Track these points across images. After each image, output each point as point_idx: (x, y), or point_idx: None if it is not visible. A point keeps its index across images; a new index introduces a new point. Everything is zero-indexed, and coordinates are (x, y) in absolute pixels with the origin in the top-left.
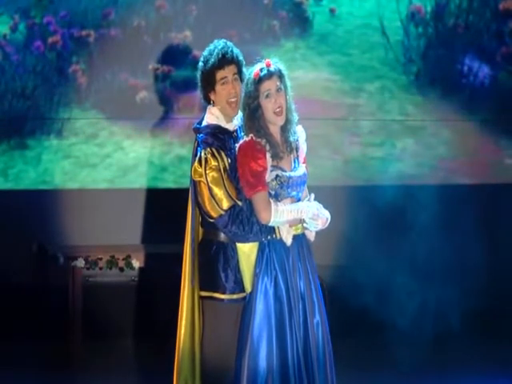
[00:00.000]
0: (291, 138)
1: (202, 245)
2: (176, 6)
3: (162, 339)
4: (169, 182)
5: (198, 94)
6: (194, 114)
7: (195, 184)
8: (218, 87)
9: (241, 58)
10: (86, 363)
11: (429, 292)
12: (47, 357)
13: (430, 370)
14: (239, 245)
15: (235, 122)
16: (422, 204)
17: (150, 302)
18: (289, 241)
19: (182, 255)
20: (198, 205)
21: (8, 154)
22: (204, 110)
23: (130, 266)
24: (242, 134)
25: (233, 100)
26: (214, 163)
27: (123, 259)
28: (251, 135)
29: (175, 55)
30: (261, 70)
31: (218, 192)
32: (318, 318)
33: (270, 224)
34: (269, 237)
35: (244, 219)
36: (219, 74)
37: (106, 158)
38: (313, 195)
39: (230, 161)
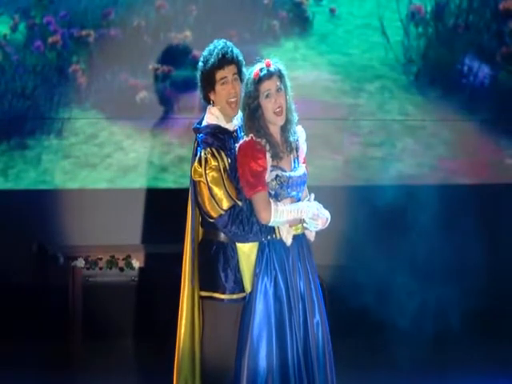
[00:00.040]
0: (291, 138)
1: (202, 245)
2: (176, 6)
3: (162, 339)
4: (169, 182)
5: (198, 94)
6: (194, 114)
7: (195, 184)
8: (218, 87)
9: (241, 57)
10: (85, 363)
11: (429, 292)
12: (47, 357)
13: (430, 370)
14: (239, 245)
15: (235, 122)
16: (421, 204)
17: (150, 302)
18: (289, 241)
19: (182, 255)
20: (198, 205)
21: (8, 154)
22: (204, 109)
23: (130, 265)
24: (242, 134)
25: (232, 100)
26: (213, 163)
27: (123, 259)
28: (251, 135)
29: (175, 55)
30: (261, 69)
31: (218, 192)
32: (317, 317)
33: (270, 224)
34: (269, 237)
35: (244, 219)
36: (219, 74)
37: (105, 158)
38: (313, 195)
39: (229, 161)
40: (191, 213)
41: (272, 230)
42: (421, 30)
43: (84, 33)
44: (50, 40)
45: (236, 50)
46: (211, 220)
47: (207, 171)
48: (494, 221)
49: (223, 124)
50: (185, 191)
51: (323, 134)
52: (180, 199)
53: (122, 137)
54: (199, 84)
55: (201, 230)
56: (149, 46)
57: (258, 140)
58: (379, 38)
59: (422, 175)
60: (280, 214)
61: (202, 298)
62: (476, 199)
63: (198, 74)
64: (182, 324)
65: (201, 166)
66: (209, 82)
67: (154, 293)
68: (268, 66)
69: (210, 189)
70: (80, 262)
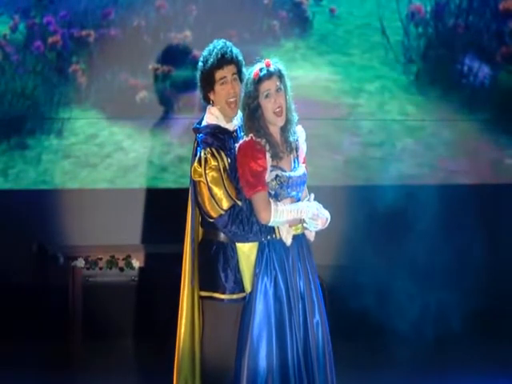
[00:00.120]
0: (291, 138)
1: (202, 245)
2: (176, 6)
3: (162, 339)
4: (169, 182)
5: (198, 94)
6: (193, 114)
7: (195, 184)
8: (217, 87)
9: (240, 57)
10: (85, 363)
11: (429, 292)
12: (47, 357)
13: (430, 370)
14: (239, 245)
15: (235, 122)
16: (421, 204)
17: (150, 302)
18: (288, 241)
19: (182, 255)
20: (198, 205)
21: (8, 154)
22: (204, 109)
23: (130, 265)
24: (242, 133)
25: (232, 100)
26: (213, 163)
27: (123, 259)
28: (251, 135)
29: (175, 55)
30: (260, 69)
31: (218, 192)
32: (317, 317)
33: (270, 224)
34: (268, 237)
35: (244, 219)
36: (218, 74)
37: (105, 158)
38: (313, 195)
39: (229, 161)
40: (191, 213)
41: (272, 230)
42: (421, 30)
43: (84, 33)
44: (50, 40)
45: (235, 50)
46: (211, 220)
47: (207, 171)
48: (494, 221)
49: (223, 124)
50: (185, 191)
51: (323, 134)
52: (180, 199)
53: (122, 137)
54: (199, 84)
55: (201, 230)
56: (149, 46)
57: (258, 140)
58: (379, 38)
59: (422, 175)
60: (280, 214)
61: (201, 297)
62: (476, 199)
63: (198, 74)
64: (182, 324)
65: (201, 165)
66: (208, 82)
67: (154, 293)
68: (268, 65)
69: (209, 189)
70: (80, 262)
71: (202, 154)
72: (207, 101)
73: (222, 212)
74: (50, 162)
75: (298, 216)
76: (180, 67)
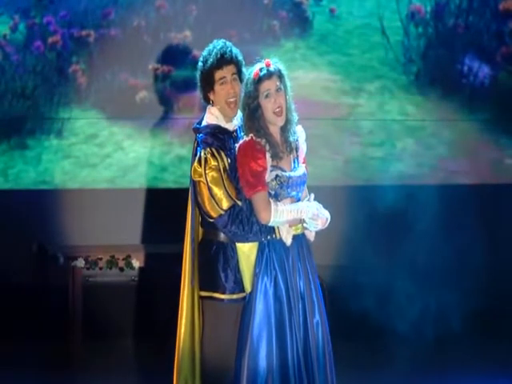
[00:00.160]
0: (291, 138)
1: (202, 245)
2: (176, 6)
3: (162, 339)
4: (169, 182)
5: (198, 94)
6: (193, 114)
7: (195, 184)
8: (217, 87)
9: (240, 57)
10: (86, 363)
11: (429, 292)
12: (47, 357)
13: (430, 370)
14: (239, 245)
15: (235, 122)
16: (422, 204)
17: (150, 302)
18: (288, 241)
19: (182, 255)
20: (198, 205)
21: (8, 154)
22: (204, 109)
23: (130, 265)
24: (242, 133)
25: (231, 100)
26: (213, 163)
27: (123, 259)
28: (251, 135)
29: (175, 55)
30: (260, 69)
31: (218, 192)
32: (317, 318)
33: (270, 224)
34: (268, 237)
35: (244, 219)
36: (218, 74)
37: (105, 158)
38: (313, 195)
39: (229, 161)
40: (191, 213)
41: (272, 229)
42: (421, 30)
43: (84, 33)
44: (50, 40)
45: (235, 50)
46: (211, 220)
47: (207, 171)
48: (494, 221)
49: (223, 124)
50: (185, 191)
51: (323, 133)
52: (180, 199)
53: (122, 137)
54: (199, 84)
55: (201, 230)
56: (149, 46)
57: (258, 140)
58: (379, 38)
59: (422, 175)
60: (280, 214)
61: (201, 297)
62: (476, 199)
63: (198, 74)
64: (182, 324)
65: (200, 165)
66: (208, 82)
67: (154, 293)
68: (268, 65)
69: (209, 189)
70: (80, 262)
71: (202, 153)
72: (207, 101)
73: (222, 212)
74: (50, 162)
75: (298, 216)
76: (180, 67)
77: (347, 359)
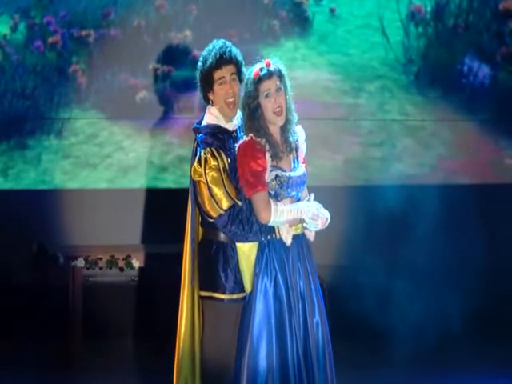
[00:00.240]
0: (291, 138)
1: (202, 245)
2: (176, 6)
3: (162, 339)
4: (169, 182)
5: (198, 94)
6: (193, 114)
7: (195, 184)
8: (216, 87)
9: (240, 57)
10: (86, 363)
11: (429, 292)
12: (47, 357)
13: (430, 370)
14: (239, 245)
15: (235, 122)
16: (421, 204)
17: (150, 301)
18: (288, 241)
19: (182, 255)
20: (198, 205)
21: (8, 154)
22: (204, 109)
23: (130, 265)
24: (242, 133)
25: (230, 100)
26: (213, 163)
27: (123, 259)
28: (251, 135)
29: (175, 55)
30: (261, 69)
31: (218, 192)
32: (317, 317)
33: (270, 224)
34: (268, 237)
35: (244, 219)
36: (217, 74)
37: (105, 158)
38: (312, 195)
39: (229, 161)
40: (191, 213)
41: (272, 229)
42: (421, 29)
43: (84, 33)
44: (50, 40)
45: (235, 50)
46: (211, 220)
47: (207, 171)
48: (494, 221)
49: (223, 124)
50: (185, 191)
51: (323, 133)
52: (180, 199)
53: (122, 137)
54: (198, 84)
55: (201, 230)
56: (149, 46)
57: (258, 140)
58: (379, 38)
59: (422, 175)
60: (280, 214)
61: (201, 297)
62: (476, 199)
63: (197, 74)
64: (182, 324)
65: (200, 165)
66: (207, 82)
67: (154, 293)
68: (268, 65)
69: (209, 189)
70: (80, 262)
71: (202, 153)
72: (207, 101)
73: (222, 212)
74: (50, 162)
75: (298, 216)
76: (180, 67)
77: (347, 359)
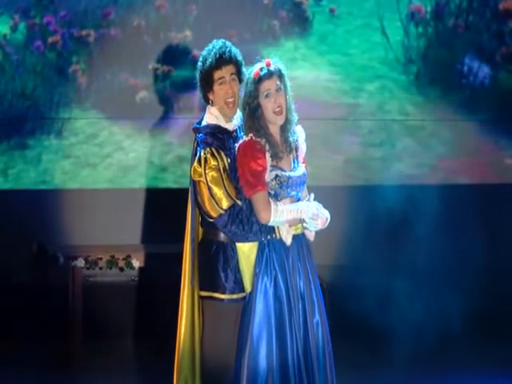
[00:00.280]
0: (291, 138)
1: (202, 245)
2: (176, 6)
3: (162, 339)
4: (169, 182)
5: (198, 93)
6: (193, 114)
7: (195, 184)
8: (216, 87)
9: (239, 57)
10: (86, 363)
11: (429, 292)
12: (47, 357)
13: (430, 370)
14: (239, 245)
15: (235, 122)
16: (421, 204)
17: (150, 301)
18: (288, 241)
19: (182, 255)
20: (198, 205)
21: (8, 154)
22: (204, 109)
23: (130, 265)
24: (242, 133)
25: (230, 100)
26: (213, 163)
27: (123, 259)
28: (251, 135)
29: (175, 55)
30: (261, 69)
31: (218, 192)
32: (317, 317)
33: (270, 224)
34: (268, 236)
35: (244, 219)
36: (217, 74)
37: (105, 158)
38: (312, 195)
39: (229, 160)
40: (191, 213)
41: (272, 229)
42: (421, 30)
43: (84, 33)
44: (50, 40)
45: (234, 50)
46: (211, 220)
47: (207, 171)
48: (494, 221)
49: (223, 124)
50: (185, 191)
51: (323, 133)
52: (180, 199)
53: (122, 137)
54: (198, 84)
55: (201, 230)
56: (149, 46)
57: (258, 140)
58: (379, 38)
59: (422, 175)
60: (280, 214)
61: (201, 297)
62: (476, 199)
63: (197, 74)
64: (182, 324)
65: (200, 165)
66: (207, 82)
67: (154, 293)
68: (268, 65)
69: (209, 188)
70: (80, 262)
71: (202, 153)
72: (207, 101)
73: (222, 212)
74: (50, 162)
75: (298, 216)
76: (180, 67)
77: (347, 359)
